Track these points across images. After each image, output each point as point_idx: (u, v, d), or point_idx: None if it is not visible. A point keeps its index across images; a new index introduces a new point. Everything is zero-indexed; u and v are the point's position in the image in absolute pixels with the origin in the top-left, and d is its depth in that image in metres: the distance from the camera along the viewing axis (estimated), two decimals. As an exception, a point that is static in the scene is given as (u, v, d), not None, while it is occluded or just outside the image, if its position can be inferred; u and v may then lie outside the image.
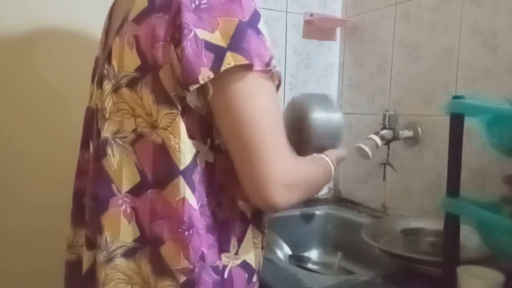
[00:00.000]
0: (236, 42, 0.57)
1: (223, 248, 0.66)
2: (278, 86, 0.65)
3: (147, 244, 0.64)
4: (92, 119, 0.73)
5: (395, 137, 1.24)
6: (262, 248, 0.73)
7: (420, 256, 0.90)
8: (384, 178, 1.30)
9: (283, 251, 1.25)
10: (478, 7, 1.12)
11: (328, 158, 0.80)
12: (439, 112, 1.15)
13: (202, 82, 0.57)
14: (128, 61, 0.63)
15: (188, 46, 0.56)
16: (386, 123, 1.24)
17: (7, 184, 1.10)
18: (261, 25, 0.61)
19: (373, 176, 1.33)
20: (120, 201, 0.65)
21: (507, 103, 0.84)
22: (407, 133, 1.27)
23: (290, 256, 1.25)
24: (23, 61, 1.10)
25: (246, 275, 0.69)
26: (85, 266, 0.72)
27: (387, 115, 1.24)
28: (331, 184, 1.64)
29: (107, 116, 0.66)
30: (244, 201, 0.68)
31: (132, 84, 0.63)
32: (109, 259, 0.65)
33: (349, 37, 1.59)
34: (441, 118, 1.02)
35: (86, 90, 0.84)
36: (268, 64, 0.60)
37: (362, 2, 1.52)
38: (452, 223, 0.81)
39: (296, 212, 1.41)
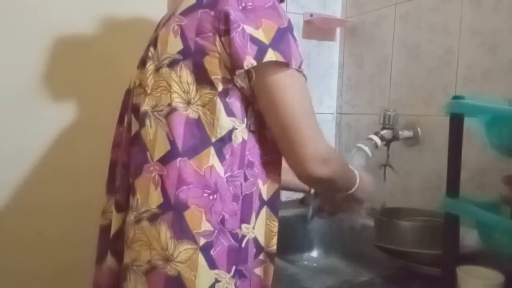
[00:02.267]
0: (277, 43, 0.68)
1: (244, 219, 0.73)
2: None
3: (169, 210, 0.69)
4: (129, 97, 0.83)
5: (395, 138, 1.25)
6: (276, 232, 0.78)
7: (418, 250, 0.91)
8: (384, 179, 1.30)
9: None
10: (478, 7, 1.12)
11: (357, 172, 0.88)
12: (439, 112, 1.15)
13: (246, 67, 0.67)
14: (171, 45, 0.73)
15: (236, 37, 0.67)
16: (386, 123, 1.24)
17: (8, 185, 1.10)
18: (295, 33, 0.72)
19: (373, 177, 1.33)
20: (152, 168, 0.71)
21: (507, 103, 0.83)
22: (406, 133, 1.27)
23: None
24: (24, 60, 1.11)
25: (255, 250, 0.75)
26: (114, 227, 0.79)
27: (386, 115, 1.24)
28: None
29: (148, 91, 0.75)
30: (263, 182, 0.76)
31: (173, 64, 0.72)
32: (138, 220, 0.72)
33: (349, 37, 1.59)
34: (441, 118, 1.02)
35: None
36: (300, 66, 0.71)
37: (362, 2, 1.52)
38: (452, 223, 0.81)
39: (296, 212, 1.41)
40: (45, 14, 1.10)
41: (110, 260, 0.79)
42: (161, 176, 0.70)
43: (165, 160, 0.70)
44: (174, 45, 0.73)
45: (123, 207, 0.77)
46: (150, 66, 0.76)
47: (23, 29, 1.08)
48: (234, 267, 0.70)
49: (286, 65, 0.69)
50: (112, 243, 0.78)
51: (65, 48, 1.13)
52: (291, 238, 1.32)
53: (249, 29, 0.67)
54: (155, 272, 0.69)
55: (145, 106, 0.75)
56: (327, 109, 1.63)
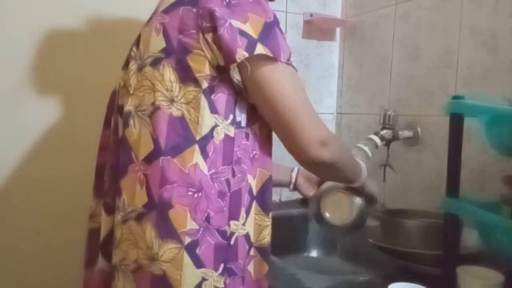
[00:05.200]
0: (265, 38, 0.68)
1: (232, 215, 0.73)
2: None
3: (154, 209, 0.69)
4: (115, 99, 0.82)
5: (395, 137, 1.25)
6: (265, 227, 0.78)
7: (418, 250, 0.91)
8: (384, 179, 1.30)
9: None
10: (478, 7, 1.12)
11: (363, 165, 0.94)
12: (439, 112, 1.15)
13: (238, 60, 0.67)
14: (154, 43, 0.73)
15: (225, 32, 0.67)
16: (386, 123, 1.24)
17: (6, 186, 1.10)
18: (281, 26, 0.73)
19: (373, 177, 1.32)
20: (137, 167, 0.71)
21: (507, 103, 0.84)
22: (406, 133, 1.27)
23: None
24: (12, 59, 1.10)
25: (247, 246, 0.75)
26: (104, 230, 0.78)
27: (386, 115, 1.24)
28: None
29: (131, 92, 0.75)
30: (253, 177, 0.76)
31: (156, 63, 0.72)
32: (125, 220, 0.71)
33: (349, 37, 1.59)
34: (441, 118, 1.02)
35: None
36: (289, 58, 0.71)
37: (362, 2, 1.52)
38: (452, 223, 0.81)
39: (296, 212, 1.42)
40: (35, 12, 1.10)
41: (101, 263, 0.78)
42: (145, 175, 0.70)
43: (149, 159, 0.70)
44: (156, 44, 0.72)
45: (112, 209, 0.76)
46: (133, 66, 0.76)
47: (11, 27, 1.08)
48: (222, 265, 0.70)
49: (274, 59, 0.69)
50: (103, 245, 0.78)
51: (53, 48, 1.12)
52: (291, 238, 1.32)
53: (237, 24, 0.67)
54: (142, 271, 0.69)
55: (128, 106, 0.74)
56: (327, 109, 1.63)
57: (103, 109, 0.87)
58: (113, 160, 0.78)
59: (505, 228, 0.75)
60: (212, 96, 0.70)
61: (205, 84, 0.70)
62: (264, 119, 0.76)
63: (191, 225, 0.68)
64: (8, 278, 1.10)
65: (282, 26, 1.47)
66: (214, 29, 0.67)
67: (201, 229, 0.68)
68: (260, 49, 0.67)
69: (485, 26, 1.10)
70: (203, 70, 0.69)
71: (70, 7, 1.13)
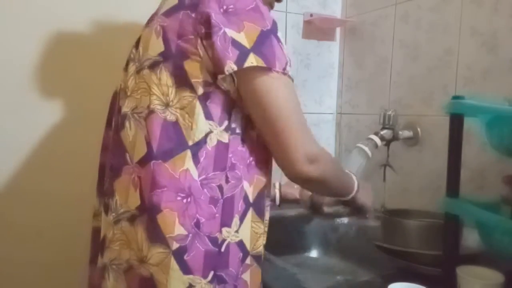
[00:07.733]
0: (259, 47, 0.67)
1: (225, 222, 0.72)
2: None
3: (145, 212, 0.70)
4: (116, 100, 0.83)
5: (395, 138, 1.25)
6: (261, 234, 0.77)
7: (418, 250, 0.91)
8: (384, 179, 1.30)
9: None
10: (478, 7, 1.12)
11: (355, 178, 0.92)
12: (439, 112, 1.15)
13: (227, 73, 0.66)
14: (153, 46, 0.73)
15: (218, 41, 0.66)
16: (386, 123, 1.24)
17: (9, 182, 1.11)
18: (279, 34, 0.71)
19: (373, 177, 1.33)
20: (131, 169, 0.72)
21: (507, 103, 0.83)
22: (406, 133, 1.27)
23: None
24: (20, 58, 1.11)
25: (241, 254, 0.74)
26: (103, 229, 0.78)
27: (386, 115, 1.24)
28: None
29: (128, 93, 0.76)
30: (249, 183, 0.75)
31: (153, 66, 0.72)
32: (117, 221, 0.73)
33: (348, 37, 1.59)
34: (441, 118, 1.03)
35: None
36: (285, 68, 0.70)
37: (362, 2, 1.52)
38: (452, 223, 0.81)
39: (296, 212, 1.41)
40: (42, 13, 1.11)
41: (100, 260, 0.78)
42: (139, 178, 0.70)
43: (143, 162, 0.70)
44: (155, 47, 0.72)
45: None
46: (131, 68, 0.76)
47: (18, 28, 1.09)
48: (212, 272, 0.69)
49: (268, 69, 0.68)
50: (102, 244, 0.78)
51: (61, 48, 1.13)
52: (291, 238, 1.32)
53: (231, 32, 0.67)
54: (132, 271, 0.70)
55: (125, 108, 0.75)
56: (327, 109, 1.63)
57: (106, 110, 0.88)
58: (112, 161, 0.79)
59: (505, 228, 0.75)
60: (207, 102, 0.70)
61: (200, 90, 0.69)
62: None
63: (180, 230, 0.68)
64: (10, 275, 1.10)
65: (282, 26, 1.49)
66: (209, 35, 0.67)
67: (190, 235, 0.68)
68: (251, 60, 0.66)
69: (485, 26, 1.10)
70: (199, 76, 0.69)
71: (73, 9, 1.14)
